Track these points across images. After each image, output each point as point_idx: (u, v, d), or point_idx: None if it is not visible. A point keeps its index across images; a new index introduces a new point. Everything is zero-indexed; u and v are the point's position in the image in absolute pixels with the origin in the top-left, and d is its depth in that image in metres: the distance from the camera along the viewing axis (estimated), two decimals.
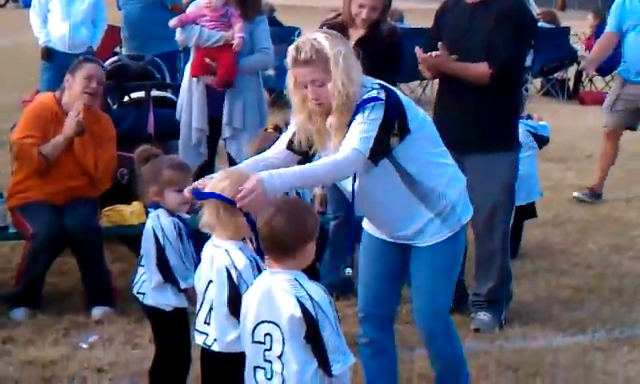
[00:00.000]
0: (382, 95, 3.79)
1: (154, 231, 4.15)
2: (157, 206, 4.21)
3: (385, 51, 5.63)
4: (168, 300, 4.18)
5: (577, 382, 4.99)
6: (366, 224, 4.24)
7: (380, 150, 3.76)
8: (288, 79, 3.86)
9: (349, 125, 3.76)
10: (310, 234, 3.39)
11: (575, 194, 8.63)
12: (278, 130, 4.96)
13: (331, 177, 3.88)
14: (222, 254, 3.69)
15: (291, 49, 3.79)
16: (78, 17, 9.60)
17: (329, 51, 3.74)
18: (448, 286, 4.14)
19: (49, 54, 9.56)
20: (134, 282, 4.30)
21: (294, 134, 3.96)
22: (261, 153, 4.12)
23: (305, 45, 3.76)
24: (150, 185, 4.22)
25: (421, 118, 3.92)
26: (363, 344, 4.28)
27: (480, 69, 5.30)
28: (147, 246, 4.21)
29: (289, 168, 3.74)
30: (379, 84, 3.87)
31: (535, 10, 16.30)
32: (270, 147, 4.10)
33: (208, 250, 3.80)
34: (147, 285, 4.21)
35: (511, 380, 4.97)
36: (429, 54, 5.31)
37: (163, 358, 4.30)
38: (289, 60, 3.81)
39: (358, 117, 3.74)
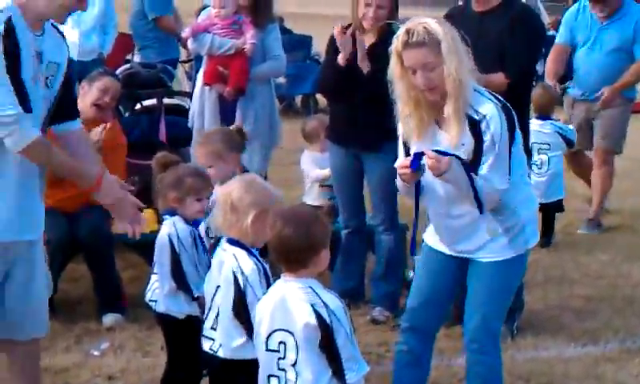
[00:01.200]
0: (502, 113, 3.81)
1: (170, 238, 4.16)
2: (173, 213, 4.21)
3: None
4: (180, 307, 4.19)
5: None
6: (427, 236, 4.20)
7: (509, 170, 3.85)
8: (393, 66, 3.84)
9: (466, 129, 3.78)
10: (320, 243, 3.38)
11: (580, 231, 8.15)
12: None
13: (488, 201, 3.87)
14: (229, 258, 3.70)
15: (401, 33, 3.79)
16: (87, 24, 9.62)
17: (441, 34, 3.74)
18: (503, 306, 4.13)
19: None
20: (147, 289, 4.30)
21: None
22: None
23: (416, 28, 3.76)
24: (171, 191, 4.23)
25: (518, 132, 3.93)
26: (402, 352, 4.24)
27: (498, 80, 5.24)
28: (161, 253, 4.22)
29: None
30: (492, 94, 3.88)
31: (546, 19, 16.28)
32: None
33: (218, 255, 3.82)
34: (160, 292, 4.22)
35: None
36: None
37: (175, 365, 4.31)
38: (398, 44, 3.79)
39: (489, 152, 3.77)
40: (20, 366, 4.06)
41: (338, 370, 3.30)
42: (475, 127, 3.79)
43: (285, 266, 3.41)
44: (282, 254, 3.39)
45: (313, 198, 6.59)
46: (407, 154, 3.97)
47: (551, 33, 14.54)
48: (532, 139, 7.25)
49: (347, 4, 5.84)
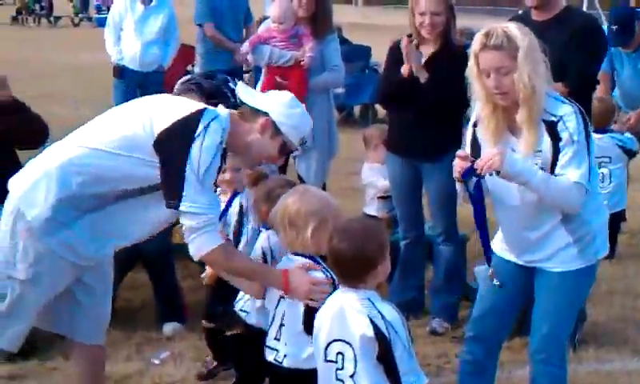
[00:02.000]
0: (579, 113, 3.80)
1: (264, 251, 4.17)
2: (267, 226, 4.24)
3: (457, 68, 5.58)
4: None
5: None
6: (495, 245, 4.17)
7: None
8: (470, 67, 3.86)
9: (544, 133, 3.76)
10: (375, 259, 3.36)
11: None
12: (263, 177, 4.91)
13: (556, 198, 3.82)
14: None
15: (480, 34, 3.81)
16: (150, 36, 9.75)
17: (520, 40, 3.75)
18: (571, 317, 4.10)
19: (120, 71, 9.73)
20: (237, 299, 4.29)
21: (474, 133, 4.00)
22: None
23: (496, 30, 3.77)
24: (262, 205, 4.29)
25: (592, 140, 3.90)
26: (467, 361, 4.23)
27: (558, 88, 5.20)
28: None
29: (529, 164, 3.78)
30: (569, 99, 3.87)
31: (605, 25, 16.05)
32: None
33: (283, 265, 3.83)
34: (251, 304, 4.19)
35: None
36: None
37: (250, 378, 4.32)
38: (476, 46, 3.82)
39: (567, 148, 3.74)
40: (85, 369, 4.14)
41: (395, 383, 3.28)
42: (553, 129, 3.77)
43: (341, 279, 3.41)
44: (338, 269, 3.41)
45: (373, 209, 6.57)
46: (475, 158, 3.93)
47: None
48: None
49: (405, 14, 5.83)
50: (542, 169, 3.80)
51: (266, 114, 3.85)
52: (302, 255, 3.77)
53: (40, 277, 3.75)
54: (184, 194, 3.62)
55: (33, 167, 3.82)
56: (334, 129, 6.82)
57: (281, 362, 3.79)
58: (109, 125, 3.83)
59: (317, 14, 6.53)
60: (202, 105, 3.79)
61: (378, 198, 6.54)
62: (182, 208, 3.64)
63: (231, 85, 7.37)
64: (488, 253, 4.08)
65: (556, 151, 3.77)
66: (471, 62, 3.84)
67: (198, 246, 3.70)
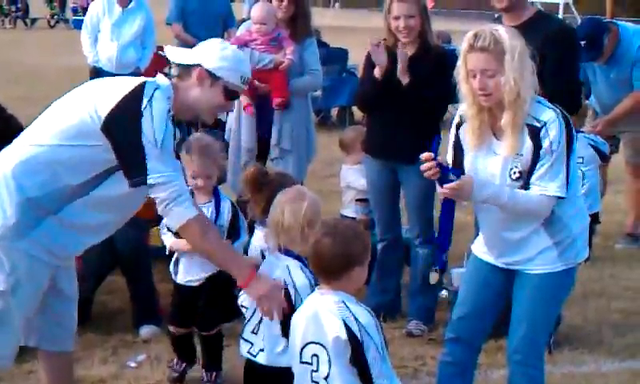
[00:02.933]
0: (562, 120, 3.79)
1: (262, 251, 4.15)
2: (261, 223, 4.23)
3: (436, 70, 5.61)
4: None
5: None
6: (475, 247, 4.20)
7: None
8: (458, 68, 3.86)
9: (526, 138, 3.76)
10: (356, 259, 3.38)
11: (618, 245, 8.06)
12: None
13: (526, 212, 3.86)
14: (282, 270, 3.72)
15: (469, 35, 3.82)
16: (127, 38, 9.73)
17: (507, 43, 3.75)
18: (550, 319, 4.12)
19: (97, 73, 9.69)
20: (239, 294, 4.26)
21: (455, 144, 4.00)
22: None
23: (484, 32, 3.78)
24: (260, 201, 4.23)
25: (576, 145, 3.90)
26: (447, 363, 4.23)
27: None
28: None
29: (498, 185, 3.82)
30: (554, 104, 3.86)
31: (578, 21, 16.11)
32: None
33: (267, 262, 3.84)
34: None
35: None
36: None
37: None
38: (464, 46, 3.82)
39: (547, 156, 3.75)
40: (55, 377, 4.12)
41: None
42: (536, 135, 3.78)
43: (319, 275, 3.43)
44: (317, 264, 3.42)
45: (351, 212, 6.59)
46: (457, 159, 3.97)
47: None
48: None
49: (382, 17, 5.84)
50: (520, 172, 3.82)
51: (198, 65, 3.84)
52: (293, 255, 3.77)
53: (19, 284, 3.71)
54: (148, 167, 3.61)
55: None
56: (312, 131, 6.82)
57: (255, 356, 3.81)
58: (55, 118, 3.78)
59: (296, 17, 6.53)
60: (141, 79, 3.77)
61: (356, 200, 6.56)
62: (149, 181, 3.63)
63: None
64: (441, 257, 4.17)
65: (536, 157, 3.79)
66: (459, 63, 3.86)
67: (177, 215, 3.69)
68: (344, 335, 3.28)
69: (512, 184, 3.84)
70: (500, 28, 3.84)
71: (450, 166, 3.95)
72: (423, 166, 3.87)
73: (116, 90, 3.73)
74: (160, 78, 3.82)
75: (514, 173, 3.84)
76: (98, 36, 9.81)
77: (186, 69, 3.87)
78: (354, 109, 12.42)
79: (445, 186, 3.80)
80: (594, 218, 7.59)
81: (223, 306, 4.81)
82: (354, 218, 6.52)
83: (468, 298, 4.18)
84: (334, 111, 14.50)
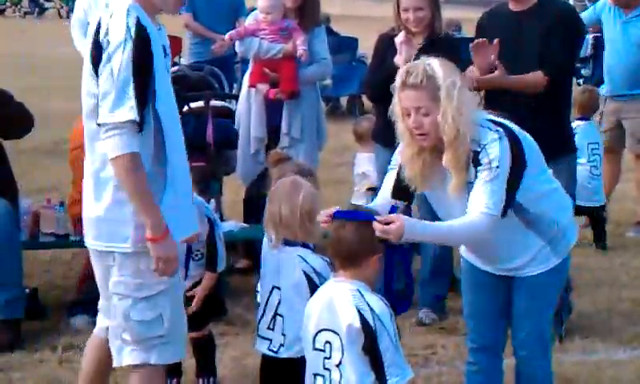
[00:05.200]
0: (504, 140, 3.59)
1: None
2: None
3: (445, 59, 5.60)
4: None
5: None
6: (464, 252, 4.05)
7: (510, 201, 3.62)
8: (394, 105, 3.68)
9: (470, 167, 3.57)
10: (376, 247, 3.40)
11: (629, 234, 7.99)
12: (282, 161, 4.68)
13: (467, 239, 3.77)
14: (294, 261, 3.73)
15: (402, 71, 3.65)
16: None
17: (441, 80, 3.54)
18: (550, 311, 4.03)
19: None
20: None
21: (398, 174, 3.80)
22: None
23: (416, 68, 3.59)
24: None
25: (528, 144, 3.74)
26: (474, 372, 4.13)
27: (536, 78, 5.24)
28: None
29: (431, 223, 3.65)
30: (493, 121, 3.67)
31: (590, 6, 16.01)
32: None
33: (272, 256, 3.84)
34: None
35: None
36: (488, 76, 5.22)
37: None
38: (397, 83, 3.64)
39: (484, 172, 3.54)
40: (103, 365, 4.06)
41: (380, 375, 3.31)
42: (476, 158, 3.59)
43: (337, 261, 3.44)
44: (337, 249, 3.42)
45: (362, 202, 6.58)
46: (405, 189, 3.78)
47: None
48: (586, 139, 7.34)
49: (391, 5, 5.84)
50: None
51: None
52: (298, 244, 3.78)
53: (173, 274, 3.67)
54: (101, 100, 3.50)
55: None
56: (322, 120, 6.81)
57: (277, 351, 3.82)
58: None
59: (305, 5, 6.52)
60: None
61: (367, 190, 6.55)
62: (100, 114, 3.50)
63: (218, 75, 7.39)
64: (399, 308, 3.70)
65: (475, 177, 3.61)
66: (394, 100, 3.68)
67: (110, 147, 3.49)
68: (357, 323, 3.29)
69: None
70: (434, 62, 3.59)
71: (394, 203, 3.76)
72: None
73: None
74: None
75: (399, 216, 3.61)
76: (87, 30, 9.71)
77: None
78: (364, 98, 12.42)
79: (374, 224, 3.47)
80: (605, 206, 7.67)
81: (210, 303, 4.79)
82: None
83: (474, 306, 4.10)
84: (344, 100, 14.50)
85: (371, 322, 3.28)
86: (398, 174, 3.81)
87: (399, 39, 5.60)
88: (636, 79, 7.64)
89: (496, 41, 5.17)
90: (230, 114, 6.95)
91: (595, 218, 7.56)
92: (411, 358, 5.22)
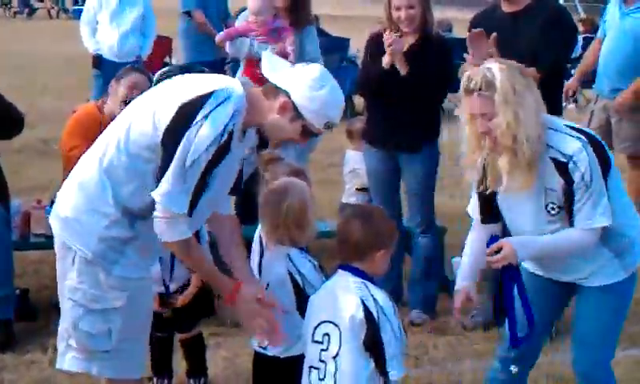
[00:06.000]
0: (588, 147, 3.61)
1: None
2: None
3: (436, 59, 5.62)
4: None
5: None
6: (527, 263, 4.02)
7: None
8: (462, 110, 3.70)
9: (551, 174, 3.62)
10: (382, 242, 3.44)
11: None
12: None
13: (574, 251, 3.77)
14: (282, 260, 3.73)
15: (464, 77, 3.66)
16: (127, 25, 9.70)
17: (498, 84, 3.56)
18: (615, 333, 3.96)
19: (99, 61, 9.68)
20: None
21: (480, 197, 3.86)
22: None
23: (477, 74, 3.61)
24: None
25: (611, 161, 3.76)
26: (497, 380, 4.11)
27: (530, 75, 5.25)
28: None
29: (536, 238, 3.72)
30: (571, 127, 3.70)
31: (581, 15, 16.08)
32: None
33: (263, 255, 3.87)
34: None
35: None
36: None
37: None
38: (461, 88, 3.67)
39: (581, 189, 3.59)
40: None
41: (380, 366, 3.33)
42: (564, 170, 3.61)
43: (342, 255, 3.48)
44: (344, 242, 3.46)
45: (352, 201, 6.58)
46: (488, 202, 3.86)
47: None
48: None
49: (382, 5, 5.84)
50: (558, 207, 3.68)
51: (286, 93, 3.48)
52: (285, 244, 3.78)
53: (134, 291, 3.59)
54: (162, 179, 3.36)
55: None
56: None
57: (265, 348, 3.82)
58: (125, 128, 3.51)
59: (295, 5, 6.51)
60: (211, 85, 3.42)
61: (357, 189, 6.55)
62: (155, 193, 3.38)
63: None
64: (514, 341, 3.87)
65: (570, 193, 3.63)
66: (462, 106, 3.70)
67: (162, 231, 3.45)
68: (360, 314, 3.32)
69: (552, 219, 3.71)
70: (494, 66, 3.62)
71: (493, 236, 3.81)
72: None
73: (181, 92, 3.44)
74: (237, 86, 3.46)
75: (552, 208, 3.69)
76: (97, 27, 9.77)
77: (273, 89, 3.52)
78: (355, 98, 12.41)
79: (488, 258, 3.65)
80: None
81: (200, 303, 4.78)
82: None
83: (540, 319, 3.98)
84: None
85: (374, 313, 3.32)
86: (480, 196, 3.87)
87: (386, 41, 5.61)
88: (628, 74, 7.54)
89: (494, 34, 5.18)
90: None
91: None
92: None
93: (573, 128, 3.70)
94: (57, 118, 11.04)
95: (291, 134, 3.55)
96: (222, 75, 3.66)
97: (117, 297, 3.53)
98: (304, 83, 3.49)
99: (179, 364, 4.92)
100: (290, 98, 3.47)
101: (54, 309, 5.66)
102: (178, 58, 10.29)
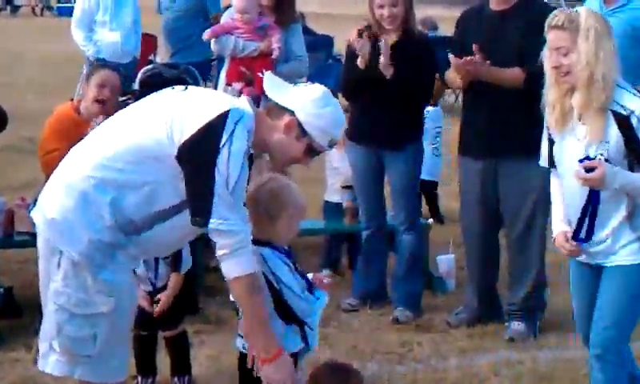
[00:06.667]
0: None
1: None
2: None
3: (420, 57, 5.64)
4: None
5: None
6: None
7: None
8: (545, 48, 3.91)
9: (611, 126, 3.73)
10: None
11: None
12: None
13: None
14: (257, 259, 3.72)
15: (552, 14, 3.87)
16: (127, 24, 9.51)
17: (582, 22, 3.77)
18: (631, 319, 3.99)
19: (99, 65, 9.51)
20: None
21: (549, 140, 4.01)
22: None
23: (562, 13, 3.83)
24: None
25: None
26: (598, 380, 4.07)
27: (515, 73, 5.29)
28: None
29: (626, 172, 3.78)
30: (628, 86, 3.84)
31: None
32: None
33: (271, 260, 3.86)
34: None
35: None
36: (465, 58, 5.28)
37: None
38: (546, 25, 3.88)
39: None
40: None
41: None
42: (624, 123, 3.74)
43: None
44: None
45: (337, 198, 6.59)
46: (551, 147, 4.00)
47: None
48: (433, 123, 7.90)
49: (366, 3, 5.85)
50: (607, 160, 3.75)
51: (291, 112, 3.54)
52: (264, 243, 3.76)
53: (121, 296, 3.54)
54: (213, 209, 3.34)
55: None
56: None
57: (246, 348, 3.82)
58: (125, 133, 3.51)
59: (281, 3, 6.50)
60: (225, 104, 3.46)
61: (342, 187, 6.55)
62: (211, 225, 3.36)
63: (193, 73, 7.36)
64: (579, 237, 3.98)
65: (634, 147, 3.74)
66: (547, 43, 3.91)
67: (232, 267, 3.42)
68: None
69: None
70: (582, 9, 3.88)
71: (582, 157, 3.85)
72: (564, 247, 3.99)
73: (197, 112, 3.43)
74: (244, 105, 3.50)
75: (600, 160, 3.76)
76: (93, 27, 9.53)
77: (277, 108, 3.57)
78: (340, 96, 12.43)
79: (578, 174, 3.74)
80: None
81: (183, 301, 4.77)
82: (339, 204, 6.53)
83: (584, 307, 4.11)
84: None
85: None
86: (550, 142, 4.03)
87: (357, 50, 5.63)
88: None
89: (476, 50, 5.23)
90: None
91: (427, 193, 7.89)
92: (387, 355, 5.24)
93: (636, 90, 3.88)
94: (41, 116, 10.99)
95: (296, 153, 3.60)
96: (223, 93, 3.71)
97: (104, 301, 3.48)
98: (309, 102, 3.56)
99: (163, 362, 4.90)
100: (294, 116, 3.53)
101: (39, 307, 5.70)
102: (161, 56, 10.22)
